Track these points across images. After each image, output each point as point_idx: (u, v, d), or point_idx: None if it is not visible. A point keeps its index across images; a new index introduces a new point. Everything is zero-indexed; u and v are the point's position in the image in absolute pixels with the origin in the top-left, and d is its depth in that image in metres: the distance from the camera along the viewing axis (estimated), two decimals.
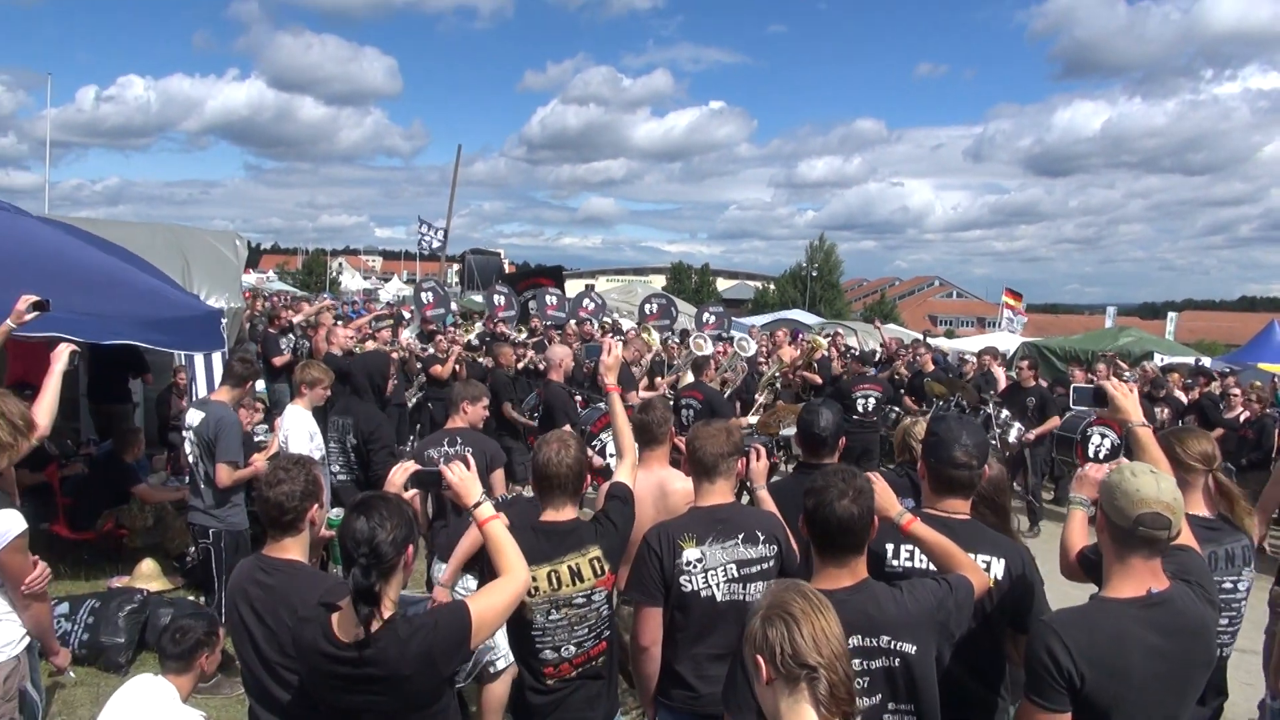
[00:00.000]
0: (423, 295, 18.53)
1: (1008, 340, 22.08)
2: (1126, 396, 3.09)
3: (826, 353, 12.03)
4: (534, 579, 2.91)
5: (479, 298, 25.48)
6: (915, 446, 3.89)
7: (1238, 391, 11.00)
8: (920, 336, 21.11)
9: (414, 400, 11.04)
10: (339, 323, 10.61)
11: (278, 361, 9.64)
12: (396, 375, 8.31)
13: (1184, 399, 11.41)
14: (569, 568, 3.06)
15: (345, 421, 6.00)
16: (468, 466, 2.80)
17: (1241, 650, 3.64)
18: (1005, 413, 9.24)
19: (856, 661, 2.43)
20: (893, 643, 2.45)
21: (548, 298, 18.47)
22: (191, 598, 6.31)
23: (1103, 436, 9.95)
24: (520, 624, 3.01)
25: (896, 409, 10.40)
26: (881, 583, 2.58)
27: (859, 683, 2.43)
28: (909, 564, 2.86)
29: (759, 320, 25.26)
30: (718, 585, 3.16)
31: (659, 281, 57.60)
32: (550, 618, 3.06)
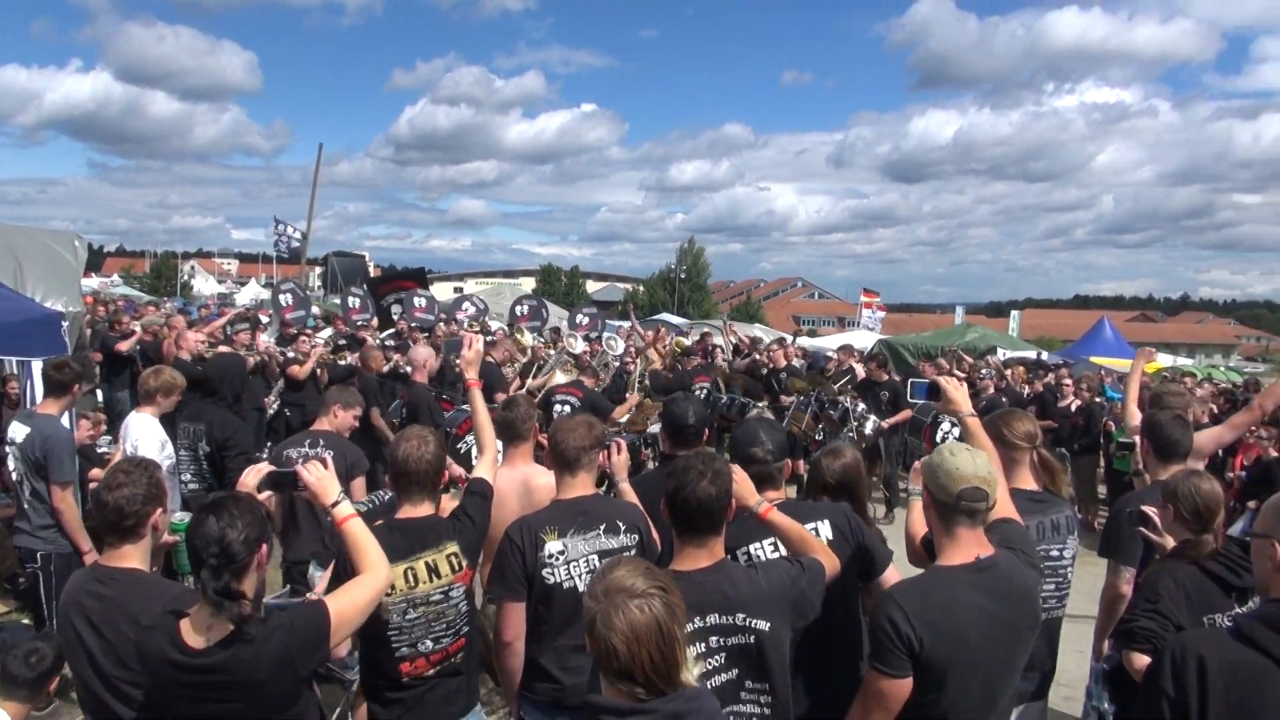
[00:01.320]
0: (281, 297, 17.82)
1: (866, 338, 23.02)
2: (957, 390, 3.30)
3: (693, 351, 12.27)
4: (391, 579, 2.87)
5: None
6: None
7: (1069, 382, 11.86)
8: (788, 336, 21.77)
9: (273, 406, 10.62)
10: (193, 327, 10.12)
11: (123, 347, 9.05)
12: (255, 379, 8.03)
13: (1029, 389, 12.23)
14: (426, 564, 3.04)
15: (197, 428, 5.72)
16: (325, 466, 2.74)
17: (1073, 618, 3.91)
18: (861, 406, 9.65)
19: (714, 639, 2.52)
20: (748, 620, 2.54)
21: (416, 299, 18.07)
22: (26, 621, 5.88)
23: (952, 424, 10.50)
24: (375, 624, 2.95)
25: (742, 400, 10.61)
26: (737, 563, 2.68)
27: (715, 660, 2.53)
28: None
29: (628, 323, 25.46)
30: (580, 577, 3.20)
31: (529, 284, 57.18)
32: (407, 617, 3.03)
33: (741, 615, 2.55)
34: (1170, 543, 3.30)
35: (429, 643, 3.06)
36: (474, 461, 3.66)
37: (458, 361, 4.05)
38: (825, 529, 3.03)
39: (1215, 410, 9.88)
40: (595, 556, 3.24)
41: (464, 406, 6.97)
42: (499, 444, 3.82)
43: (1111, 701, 3.37)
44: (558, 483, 3.43)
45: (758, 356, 12.61)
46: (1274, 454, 8.12)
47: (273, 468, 2.81)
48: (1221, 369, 24.86)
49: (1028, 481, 3.46)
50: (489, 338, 11.93)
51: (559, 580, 3.19)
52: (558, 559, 3.19)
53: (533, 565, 3.16)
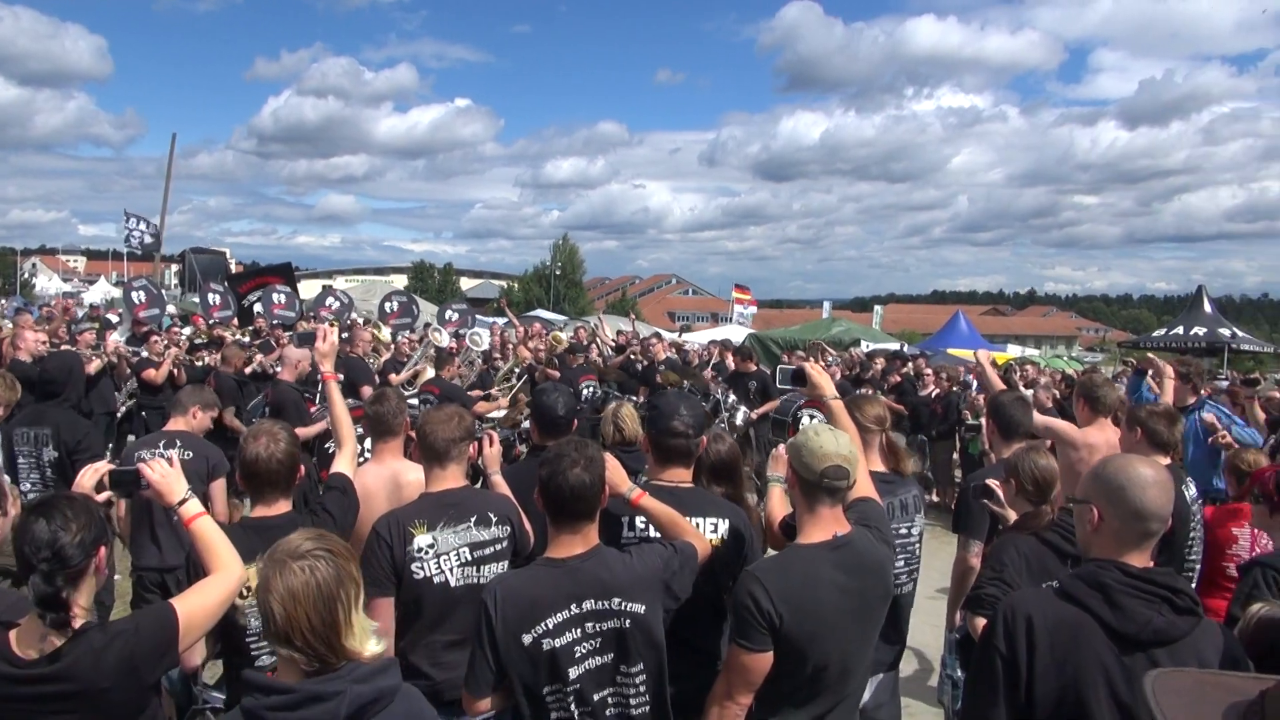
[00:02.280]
0: (134, 295, 16.95)
1: (738, 333, 23.53)
2: (820, 375, 3.43)
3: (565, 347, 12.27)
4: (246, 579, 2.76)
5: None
6: (625, 426, 4.13)
7: (929, 372, 12.48)
8: (664, 332, 22.06)
9: (125, 408, 10.04)
10: (40, 326, 9.43)
11: None
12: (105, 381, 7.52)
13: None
14: None
15: (41, 433, 5.35)
16: (171, 464, 2.62)
17: (931, 597, 4.11)
18: (732, 397, 9.87)
19: (590, 624, 2.55)
20: (623, 604, 2.58)
21: (274, 296, 17.37)
22: None
23: (811, 418, 10.89)
24: (233, 629, 2.83)
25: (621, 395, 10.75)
26: (612, 548, 2.71)
27: (591, 644, 2.55)
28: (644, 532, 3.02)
29: (503, 320, 25.25)
30: (451, 570, 3.16)
31: (401, 281, 55.98)
32: None
33: (617, 600, 2.58)
34: (1012, 515, 3.52)
35: None
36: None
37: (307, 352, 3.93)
38: (724, 527, 3.07)
39: (1057, 395, 10.57)
40: (466, 549, 3.21)
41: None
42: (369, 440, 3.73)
43: (963, 668, 3.57)
44: (427, 476, 3.37)
45: (633, 353, 12.74)
46: None
47: (113, 467, 2.66)
48: (1064, 358, 26.59)
49: (876, 463, 3.61)
50: (344, 335, 11.63)
51: (429, 575, 3.13)
52: (427, 553, 3.14)
53: (401, 560, 3.10)
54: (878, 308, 37.74)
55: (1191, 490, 4.14)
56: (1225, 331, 20.72)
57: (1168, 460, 4.02)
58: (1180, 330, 21.06)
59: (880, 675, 3.54)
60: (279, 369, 7.75)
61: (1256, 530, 3.75)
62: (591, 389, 9.80)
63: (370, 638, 1.87)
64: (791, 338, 19.68)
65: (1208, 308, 21.78)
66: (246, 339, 12.51)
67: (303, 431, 6.62)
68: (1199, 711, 1.04)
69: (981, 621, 3.03)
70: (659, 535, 2.92)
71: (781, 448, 3.32)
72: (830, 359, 12.87)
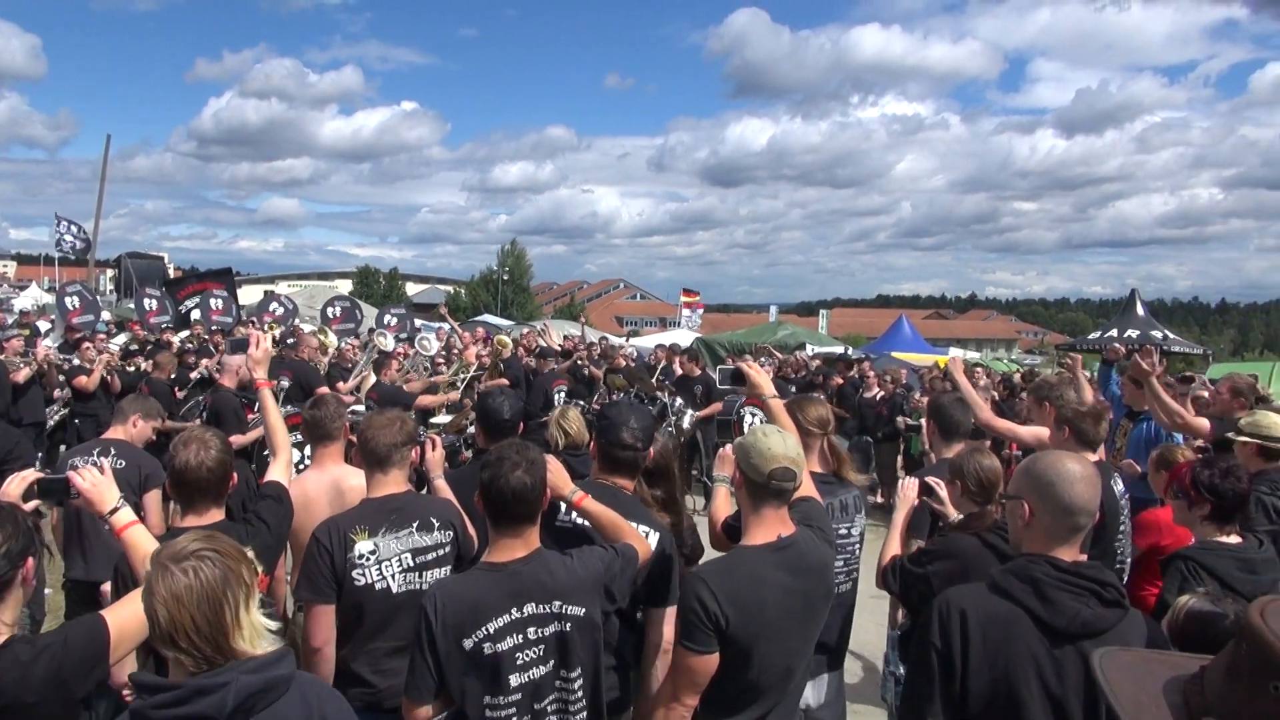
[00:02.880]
0: (66, 301, 16.50)
1: (686, 337, 23.65)
2: (759, 374, 3.47)
3: (514, 352, 12.22)
4: None
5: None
6: (571, 431, 4.13)
7: (873, 375, 12.68)
8: (612, 337, 22.06)
9: (56, 417, 9.74)
10: None
11: None
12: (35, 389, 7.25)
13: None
14: None
15: None
16: (102, 471, 2.56)
17: (875, 596, 4.16)
18: (679, 401, 9.92)
19: (532, 629, 2.53)
20: (564, 607, 2.58)
21: (212, 301, 17.05)
22: None
23: (753, 415, 11.01)
24: None
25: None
26: (553, 551, 2.70)
27: (533, 652, 2.54)
28: (581, 521, 3.01)
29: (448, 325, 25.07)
30: (393, 576, 3.13)
31: (345, 286, 54.97)
32: None
33: (558, 603, 2.58)
34: (953, 512, 3.58)
35: None
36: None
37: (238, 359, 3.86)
38: (653, 539, 3.05)
39: (996, 397, 10.79)
40: (409, 555, 3.18)
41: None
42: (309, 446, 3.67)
43: (904, 665, 3.63)
44: (368, 481, 3.33)
45: (579, 358, 12.73)
46: None
47: (41, 475, 2.59)
48: (1005, 361, 27.20)
49: (816, 465, 3.64)
50: (290, 340, 11.45)
51: (370, 581, 3.10)
52: (369, 559, 3.10)
53: (342, 567, 3.06)
54: (824, 312, 38.29)
55: (1119, 485, 4.25)
56: (1157, 334, 21.27)
57: (1096, 457, 4.12)
58: (1115, 332, 21.55)
59: (824, 675, 3.57)
60: (220, 374, 7.60)
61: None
62: (563, 394, 9.79)
63: (264, 637, 1.83)
64: (738, 341, 19.85)
65: (1140, 310, 22.37)
66: (187, 344, 12.25)
67: (239, 439, 6.52)
68: (1143, 684, 1.11)
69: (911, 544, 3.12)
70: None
71: (728, 447, 3.35)
72: (763, 360, 13.04)
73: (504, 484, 2.53)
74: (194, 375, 9.24)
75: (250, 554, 1.92)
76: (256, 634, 1.83)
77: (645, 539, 2.93)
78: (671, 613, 2.94)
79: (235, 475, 3.08)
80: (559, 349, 14.00)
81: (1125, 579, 4.03)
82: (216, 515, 2.96)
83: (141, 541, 2.46)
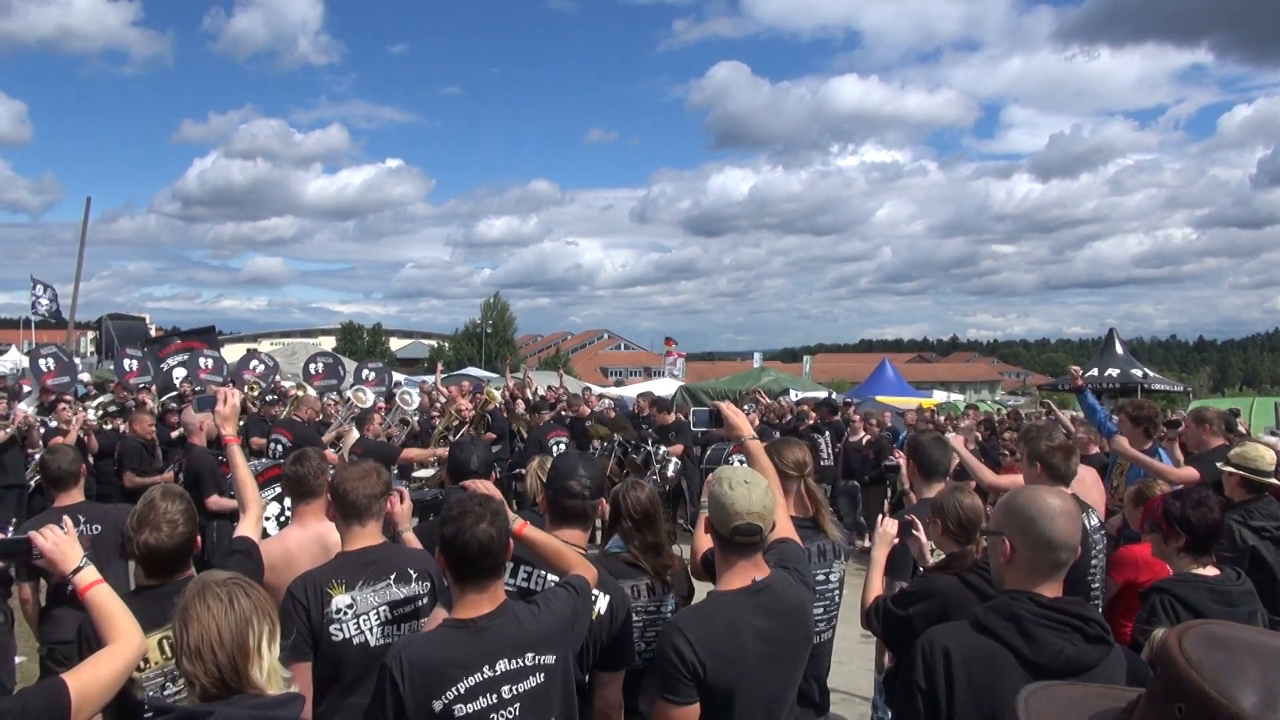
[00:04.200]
0: (41, 363, 16.39)
1: (670, 385, 23.64)
2: (737, 415, 3.45)
3: (500, 404, 12.17)
4: (145, 650, 2.61)
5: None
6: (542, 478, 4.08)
7: (858, 418, 12.69)
8: (596, 387, 22.05)
9: (35, 480, 9.58)
10: None
11: None
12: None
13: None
14: None
15: None
16: (65, 530, 2.50)
17: (862, 641, 4.11)
18: (663, 449, 9.86)
19: (506, 688, 2.46)
20: (536, 658, 2.52)
21: (202, 360, 16.97)
22: None
23: (742, 461, 10.96)
24: (129, 705, 2.62)
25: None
26: (519, 601, 2.64)
27: (508, 712, 2.46)
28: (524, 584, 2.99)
29: (430, 378, 25.02)
30: (370, 630, 3.07)
31: (329, 343, 54.81)
32: (166, 692, 2.74)
33: (531, 655, 2.52)
34: (929, 557, 3.55)
35: None
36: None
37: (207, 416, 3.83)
38: (602, 603, 2.98)
39: (980, 438, 10.81)
40: (386, 608, 3.12)
41: (255, 463, 6.57)
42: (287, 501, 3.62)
43: (889, 707, 3.56)
44: (344, 534, 3.26)
45: (563, 409, 12.70)
46: None
47: (2, 537, 2.53)
48: (988, 403, 27.30)
49: (794, 509, 3.60)
50: (270, 398, 11.38)
51: (348, 636, 3.03)
52: (346, 613, 3.03)
53: (319, 622, 2.99)
54: (807, 358, 38.42)
55: (1093, 521, 4.24)
56: (1137, 372, 21.53)
57: (1069, 493, 4.11)
58: (1095, 372, 21.76)
59: None
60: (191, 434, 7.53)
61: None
62: (562, 445, 9.70)
63: (278, 682, 1.93)
64: (722, 389, 19.87)
65: (1119, 349, 22.65)
66: (157, 407, 12.12)
67: (220, 502, 6.42)
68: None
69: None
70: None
71: (712, 476, 3.33)
72: (748, 406, 13.11)
73: (470, 538, 2.45)
74: (174, 435, 9.16)
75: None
76: (274, 672, 1.97)
77: (590, 566, 2.86)
78: (621, 675, 2.95)
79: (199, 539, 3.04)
80: (542, 399, 13.97)
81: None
82: (188, 571, 2.91)
83: (106, 601, 2.39)
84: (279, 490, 5.51)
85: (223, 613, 1.92)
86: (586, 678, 3.00)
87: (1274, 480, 4.53)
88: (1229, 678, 0.94)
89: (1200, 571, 3.32)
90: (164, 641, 2.72)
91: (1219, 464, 4.78)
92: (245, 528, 3.20)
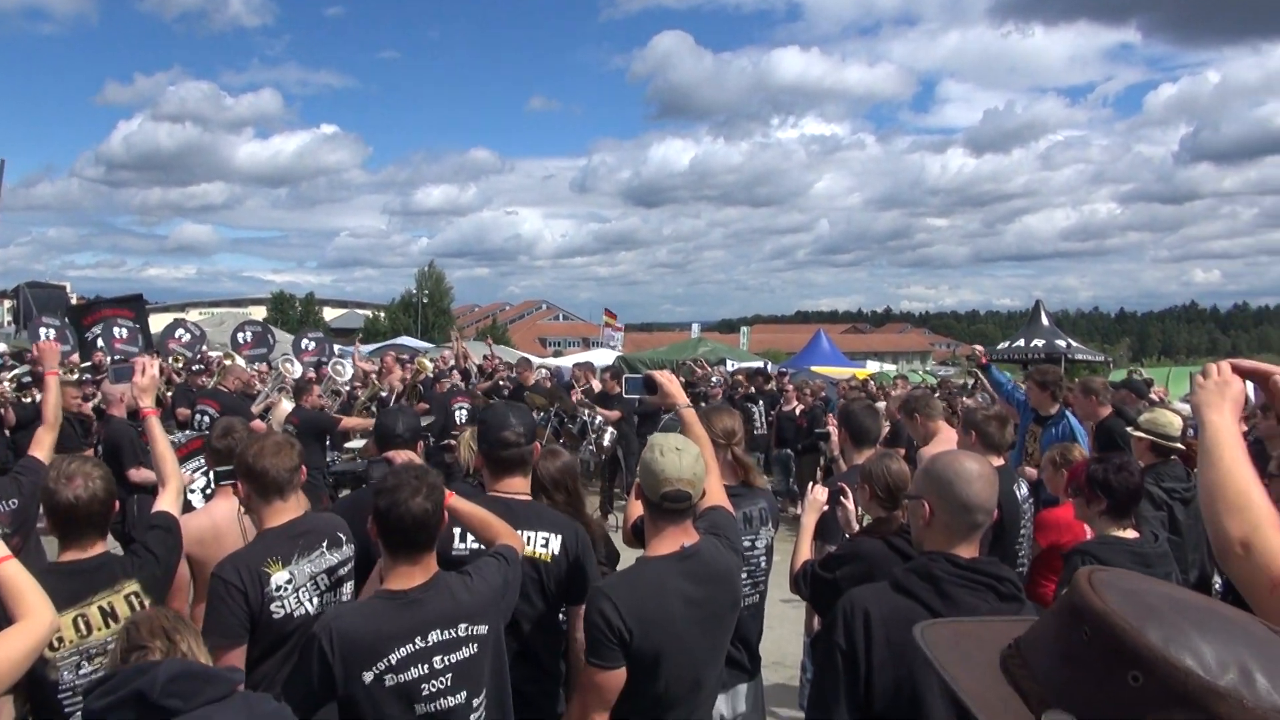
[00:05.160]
0: None
1: (608, 356, 23.64)
2: (671, 383, 3.47)
3: (430, 374, 12.05)
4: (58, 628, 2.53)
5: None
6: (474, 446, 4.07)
7: (791, 388, 12.86)
8: (534, 358, 21.92)
9: None
10: None
11: None
12: None
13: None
14: (100, 609, 2.70)
15: None
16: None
17: (795, 605, 4.18)
18: (600, 418, 9.89)
19: (438, 659, 2.47)
20: (469, 628, 2.53)
21: (117, 329, 16.38)
22: None
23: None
24: (42, 686, 2.56)
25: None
26: (451, 572, 2.64)
27: (440, 682, 2.47)
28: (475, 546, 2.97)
29: (367, 348, 24.60)
30: (310, 600, 3.04)
31: (260, 312, 53.45)
32: (81, 672, 2.64)
33: (464, 625, 2.53)
34: (855, 524, 3.63)
35: None
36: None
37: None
38: (555, 544, 3.04)
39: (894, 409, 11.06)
40: (324, 576, 3.10)
41: (176, 436, 6.41)
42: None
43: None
44: (264, 510, 3.14)
45: (501, 378, 12.62)
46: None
47: None
48: (919, 373, 27.88)
49: (729, 476, 3.65)
50: (195, 368, 11.07)
51: (290, 610, 2.98)
52: (286, 589, 2.98)
53: (258, 603, 2.91)
54: (744, 328, 38.70)
55: (1023, 490, 4.38)
56: (1061, 343, 22.08)
57: (1001, 461, 4.24)
58: (1021, 343, 22.31)
59: (740, 686, 3.57)
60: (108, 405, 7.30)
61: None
62: (465, 411, 9.63)
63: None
64: (660, 359, 19.95)
65: (1045, 321, 23.20)
66: (88, 375, 11.72)
67: (142, 474, 6.25)
68: (962, 653, 1.07)
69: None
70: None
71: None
72: (715, 379, 13.23)
73: (405, 510, 2.45)
74: (88, 407, 8.85)
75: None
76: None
77: (516, 534, 2.88)
78: None
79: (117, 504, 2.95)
80: (478, 368, 13.86)
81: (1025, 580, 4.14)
82: (100, 547, 2.82)
83: (16, 577, 2.31)
84: (201, 462, 5.39)
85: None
86: (562, 616, 3.07)
87: (1180, 445, 4.76)
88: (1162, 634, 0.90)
89: (1120, 534, 3.46)
90: (79, 619, 2.66)
91: (1130, 429, 5.00)
92: (165, 502, 3.11)
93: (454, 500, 2.78)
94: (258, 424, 6.31)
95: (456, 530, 2.96)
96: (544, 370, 15.48)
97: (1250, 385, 1.94)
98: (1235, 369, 1.90)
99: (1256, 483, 1.69)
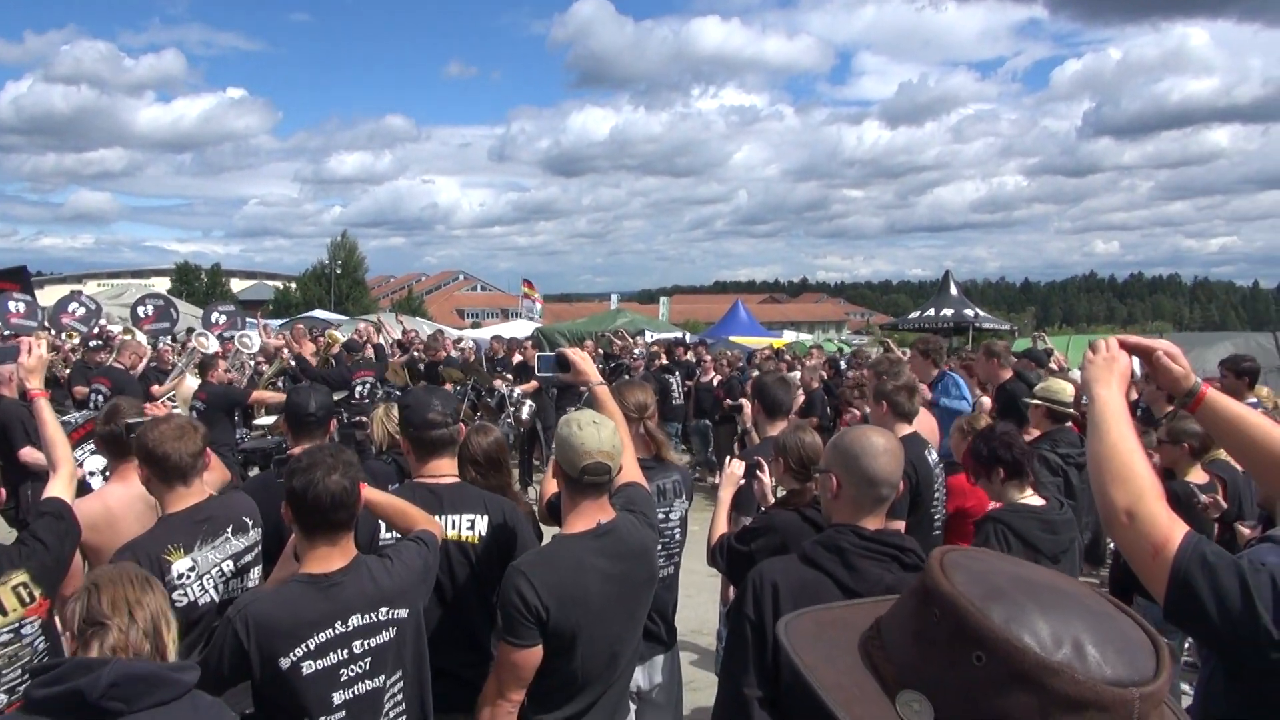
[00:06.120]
0: None
1: (526, 327, 23.47)
2: (584, 360, 3.46)
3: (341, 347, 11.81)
4: None
5: None
6: (395, 431, 4.00)
7: (709, 359, 12.97)
8: (451, 330, 21.62)
9: None
10: None
11: None
12: None
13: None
14: None
15: None
16: None
17: (712, 574, 4.24)
18: (517, 391, 9.84)
19: (357, 643, 2.45)
20: (390, 612, 2.52)
21: (10, 304, 15.62)
22: None
23: None
24: None
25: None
26: (371, 555, 2.61)
27: (359, 666, 2.45)
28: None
29: (277, 322, 23.90)
30: (215, 588, 2.98)
31: (163, 284, 51.40)
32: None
33: (384, 609, 2.51)
34: (770, 496, 3.69)
35: (1, 695, 2.62)
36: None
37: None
38: (481, 524, 3.03)
39: (824, 376, 11.27)
40: (229, 562, 3.04)
41: (67, 418, 6.14)
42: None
43: None
44: (166, 495, 3.06)
45: (416, 351, 12.43)
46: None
47: None
48: (835, 342, 28.45)
49: (641, 450, 3.67)
50: (94, 343, 10.61)
51: (193, 599, 2.93)
52: (189, 576, 2.92)
53: None
54: (664, 299, 38.82)
55: (934, 455, 4.51)
56: (969, 312, 22.82)
57: (911, 429, 4.36)
58: (931, 312, 22.99)
59: (656, 658, 3.62)
60: None
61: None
62: (368, 385, 9.44)
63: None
64: (579, 330, 19.90)
65: (954, 291, 23.91)
66: None
67: (34, 454, 5.98)
68: (825, 642, 1.06)
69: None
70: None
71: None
72: (637, 351, 13.27)
73: (321, 489, 2.40)
74: None
75: None
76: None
77: (434, 519, 2.86)
78: None
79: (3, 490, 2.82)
80: (397, 342, 13.63)
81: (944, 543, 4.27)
82: None
83: None
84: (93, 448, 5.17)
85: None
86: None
87: (1073, 411, 4.99)
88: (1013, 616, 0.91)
89: (1027, 501, 3.61)
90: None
91: (1026, 398, 5.24)
92: (56, 488, 2.97)
93: (367, 491, 2.74)
94: (159, 405, 6.08)
95: (381, 522, 2.93)
96: (470, 343, 15.29)
97: (1135, 360, 2.04)
98: (1122, 344, 1.99)
99: (1141, 454, 1.79)
